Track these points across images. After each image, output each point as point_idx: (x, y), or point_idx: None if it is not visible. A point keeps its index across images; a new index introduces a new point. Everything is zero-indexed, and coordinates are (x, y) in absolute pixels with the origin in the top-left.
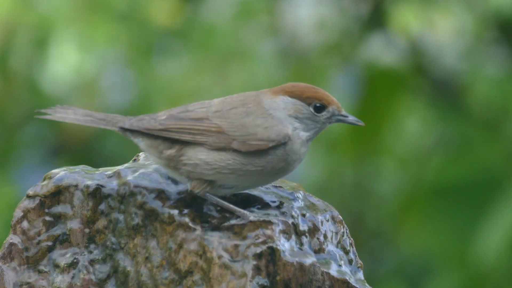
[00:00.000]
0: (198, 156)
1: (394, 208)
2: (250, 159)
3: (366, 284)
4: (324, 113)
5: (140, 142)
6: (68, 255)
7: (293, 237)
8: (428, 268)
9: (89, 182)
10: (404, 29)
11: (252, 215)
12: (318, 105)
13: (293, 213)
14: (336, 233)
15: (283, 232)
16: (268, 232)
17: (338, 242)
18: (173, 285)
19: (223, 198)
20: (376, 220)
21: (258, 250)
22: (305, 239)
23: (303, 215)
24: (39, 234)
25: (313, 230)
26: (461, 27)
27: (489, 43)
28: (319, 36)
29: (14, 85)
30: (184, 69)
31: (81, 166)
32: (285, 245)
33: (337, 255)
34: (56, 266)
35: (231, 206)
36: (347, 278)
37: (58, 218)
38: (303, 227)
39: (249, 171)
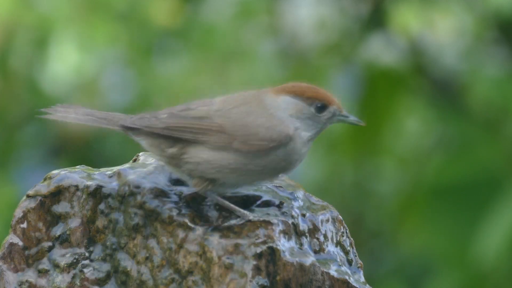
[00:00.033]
0: (199, 155)
1: (394, 208)
2: (251, 158)
3: (366, 284)
4: (325, 113)
5: (142, 140)
6: (68, 255)
7: (293, 237)
8: (428, 268)
9: (89, 182)
10: (404, 29)
11: (252, 215)
12: (319, 105)
13: (293, 213)
14: (336, 233)
15: (283, 232)
16: (268, 232)
17: (338, 242)
18: (173, 285)
19: (224, 197)
20: (376, 220)
21: (258, 250)
22: (305, 239)
23: (303, 215)
24: (39, 234)
25: (313, 230)
26: (461, 27)
27: (489, 43)
28: (319, 36)
29: (14, 85)
30: (184, 69)
31: (81, 166)
32: (285, 245)
33: (337, 255)
34: (56, 266)
35: (232, 205)
36: (347, 278)
37: (58, 218)
38: (303, 227)
39: (250, 171)
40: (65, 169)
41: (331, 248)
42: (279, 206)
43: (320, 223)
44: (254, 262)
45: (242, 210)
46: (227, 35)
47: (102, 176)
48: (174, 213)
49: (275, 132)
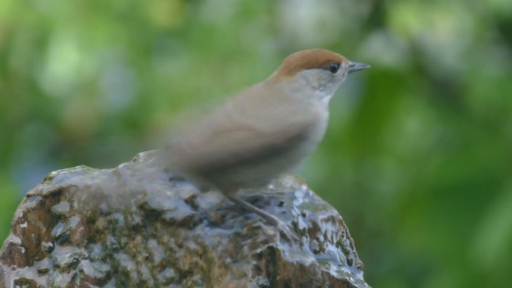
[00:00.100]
0: (244, 170)
1: (394, 208)
2: (291, 149)
3: (366, 284)
4: (339, 71)
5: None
6: (68, 255)
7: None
8: (428, 268)
9: (89, 182)
10: (404, 29)
11: (285, 230)
12: (333, 65)
13: (293, 213)
14: (336, 233)
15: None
16: (268, 231)
17: (338, 242)
18: (173, 285)
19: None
20: (376, 220)
21: (258, 250)
22: (305, 239)
23: (303, 215)
24: (39, 234)
25: (313, 230)
26: (461, 27)
27: (489, 43)
28: (319, 36)
29: (14, 85)
30: (184, 69)
31: (81, 166)
32: (285, 245)
33: (337, 255)
34: (56, 266)
35: (261, 211)
36: (347, 278)
37: (58, 218)
38: (303, 226)
39: (289, 162)
40: (65, 169)
41: (331, 248)
42: (279, 205)
43: (320, 223)
44: (254, 262)
45: (271, 216)
46: (227, 35)
47: (102, 176)
48: (175, 213)
49: (307, 114)
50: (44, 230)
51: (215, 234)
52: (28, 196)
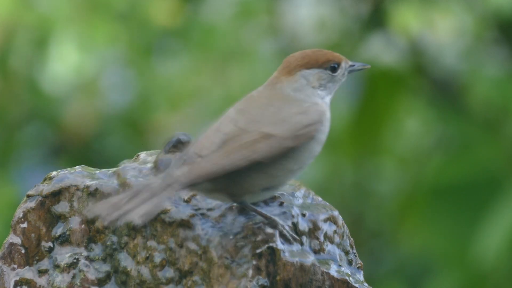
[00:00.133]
0: (255, 173)
1: (394, 208)
2: (302, 150)
3: (366, 284)
4: (339, 71)
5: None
6: (68, 255)
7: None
8: (428, 268)
9: (89, 182)
10: (404, 29)
11: (285, 230)
12: (332, 65)
13: (293, 213)
14: (336, 233)
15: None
16: (268, 232)
17: (338, 242)
18: (173, 285)
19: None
20: (376, 220)
21: (258, 250)
22: (305, 239)
23: (303, 215)
24: (39, 234)
25: (313, 230)
26: (461, 27)
27: (489, 43)
28: (319, 36)
29: (14, 85)
30: (184, 69)
31: (81, 166)
32: (285, 245)
33: (337, 255)
34: (56, 266)
35: (268, 215)
36: (347, 278)
37: (58, 218)
38: (303, 226)
39: (300, 163)
40: (65, 169)
41: (331, 248)
42: (279, 206)
43: (320, 223)
44: (254, 262)
45: (277, 219)
46: (227, 35)
47: (102, 176)
48: (174, 213)
49: (313, 113)
50: (44, 230)
51: (215, 234)
52: (28, 196)
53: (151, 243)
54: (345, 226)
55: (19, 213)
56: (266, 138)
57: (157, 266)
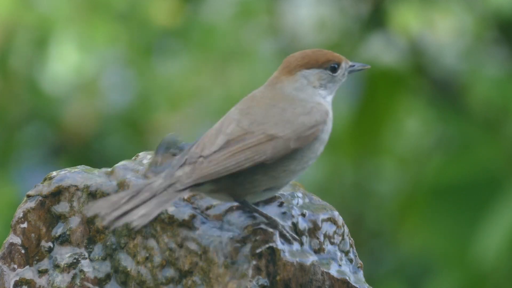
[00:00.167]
0: (258, 174)
1: (394, 208)
2: (306, 151)
3: (366, 284)
4: (339, 71)
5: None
6: (68, 255)
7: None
8: (428, 268)
9: (89, 182)
10: (404, 29)
11: (285, 230)
12: (333, 65)
13: (293, 213)
14: (336, 233)
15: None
16: (268, 232)
17: (338, 242)
18: (173, 285)
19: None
20: (376, 220)
21: (258, 250)
22: (305, 239)
23: (303, 215)
24: (39, 234)
25: (313, 230)
26: (461, 27)
27: (489, 43)
28: (319, 36)
29: (14, 85)
30: (184, 69)
31: (81, 166)
32: (285, 245)
33: (337, 255)
34: (56, 266)
35: (269, 215)
36: (347, 278)
37: (58, 218)
38: (303, 226)
39: (304, 163)
40: (65, 169)
41: (331, 248)
42: (279, 206)
43: (320, 223)
44: (254, 262)
45: (273, 217)
46: (227, 35)
47: (102, 176)
48: (174, 213)
49: (317, 113)
50: (44, 230)
51: (215, 234)
52: (28, 196)
53: (151, 243)
54: (345, 226)
55: (19, 213)
56: (271, 139)
57: (157, 266)
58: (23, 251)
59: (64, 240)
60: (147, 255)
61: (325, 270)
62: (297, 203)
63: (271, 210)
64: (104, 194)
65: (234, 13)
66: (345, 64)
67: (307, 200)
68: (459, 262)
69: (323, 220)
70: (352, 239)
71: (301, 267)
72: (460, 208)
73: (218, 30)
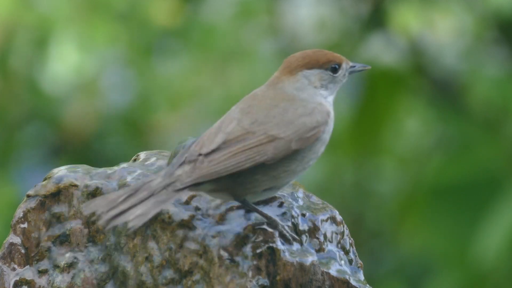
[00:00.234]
0: (258, 174)
1: (394, 208)
2: (307, 151)
3: (366, 284)
4: (340, 71)
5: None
6: (68, 255)
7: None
8: (428, 268)
9: (89, 182)
10: (404, 29)
11: (285, 230)
12: (333, 66)
13: (293, 213)
14: (336, 233)
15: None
16: (268, 231)
17: (338, 242)
18: (173, 285)
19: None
20: (376, 220)
21: (258, 250)
22: (305, 239)
23: (303, 215)
24: (39, 234)
25: (313, 230)
26: (461, 27)
27: (489, 43)
28: (319, 36)
29: (14, 85)
30: (184, 69)
31: (81, 166)
32: (285, 245)
33: (337, 255)
34: (56, 266)
35: (269, 214)
36: (347, 278)
37: (58, 218)
38: (303, 227)
39: (305, 163)
40: (64, 169)
41: (331, 248)
42: (279, 206)
43: (320, 223)
44: (254, 262)
45: (273, 217)
46: (227, 35)
47: (102, 176)
48: (174, 213)
49: (318, 114)
50: (44, 230)
51: (215, 234)
52: (28, 196)
53: (151, 243)
54: (345, 226)
55: (19, 213)
56: (272, 140)
57: (157, 266)
58: (23, 251)
59: (64, 240)
60: (147, 255)
61: (325, 270)
62: (297, 203)
63: (271, 210)
64: (103, 194)
65: (234, 13)
66: (346, 64)
67: (307, 200)
68: (459, 262)
69: (323, 220)
70: (352, 239)
71: (301, 267)
72: (460, 208)
73: (218, 30)
